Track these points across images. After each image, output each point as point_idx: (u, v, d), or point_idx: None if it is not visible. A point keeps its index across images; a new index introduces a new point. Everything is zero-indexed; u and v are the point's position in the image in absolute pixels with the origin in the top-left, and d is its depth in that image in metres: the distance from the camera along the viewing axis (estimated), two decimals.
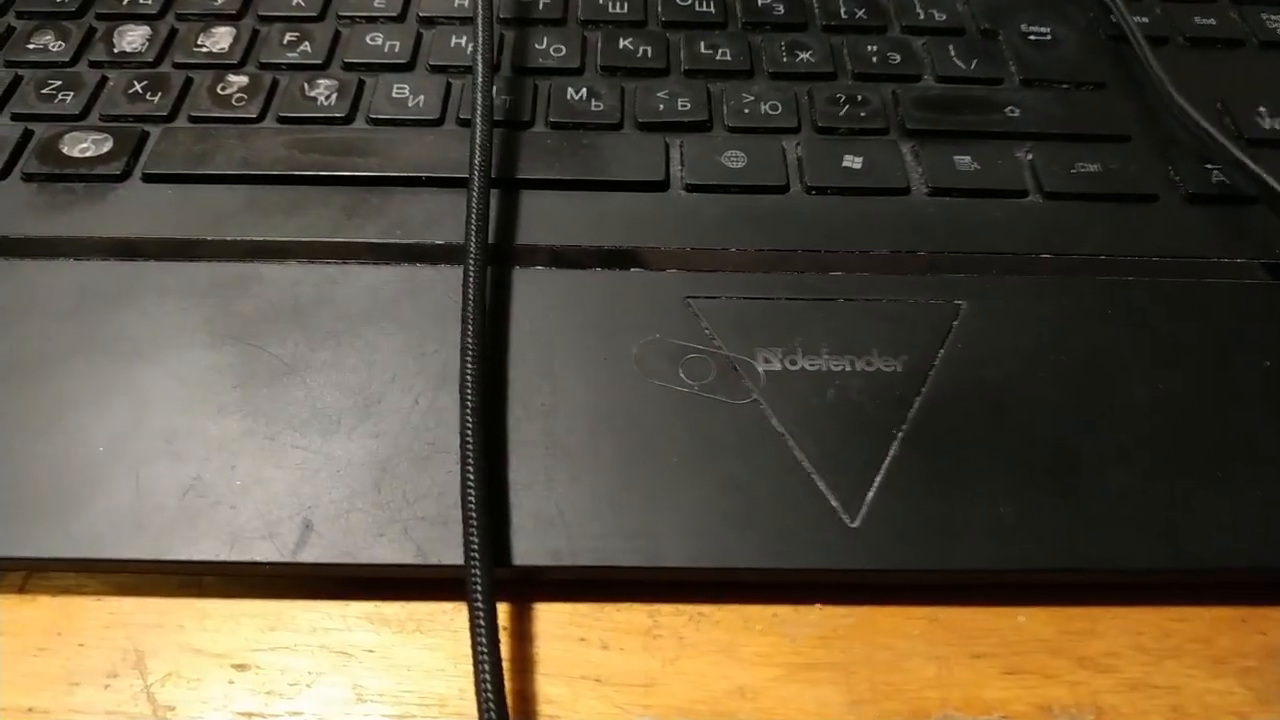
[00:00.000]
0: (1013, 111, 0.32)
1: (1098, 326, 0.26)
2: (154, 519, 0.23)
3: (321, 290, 0.27)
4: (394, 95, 0.31)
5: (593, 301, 0.27)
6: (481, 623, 0.21)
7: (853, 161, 0.30)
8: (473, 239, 0.26)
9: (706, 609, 0.23)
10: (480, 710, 0.20)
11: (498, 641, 0.21)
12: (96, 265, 0.27)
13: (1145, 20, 0.35)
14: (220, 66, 0.32)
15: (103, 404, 0.25)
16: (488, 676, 0.20)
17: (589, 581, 0.23)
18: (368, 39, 0.33)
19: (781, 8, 0.35)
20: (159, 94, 0.31)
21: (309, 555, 0.23)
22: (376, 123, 0.31)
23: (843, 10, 0.35)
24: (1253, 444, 0.25)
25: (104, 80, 0.32)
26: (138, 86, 0.31)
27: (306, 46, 0.33)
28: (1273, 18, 0.35)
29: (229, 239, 0.28)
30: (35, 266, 0.27)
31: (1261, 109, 0.32)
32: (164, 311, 0.26)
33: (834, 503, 0.23)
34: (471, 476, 0.22)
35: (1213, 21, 0.35)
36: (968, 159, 0.30)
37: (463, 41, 0.33)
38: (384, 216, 0.28)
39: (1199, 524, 0.23)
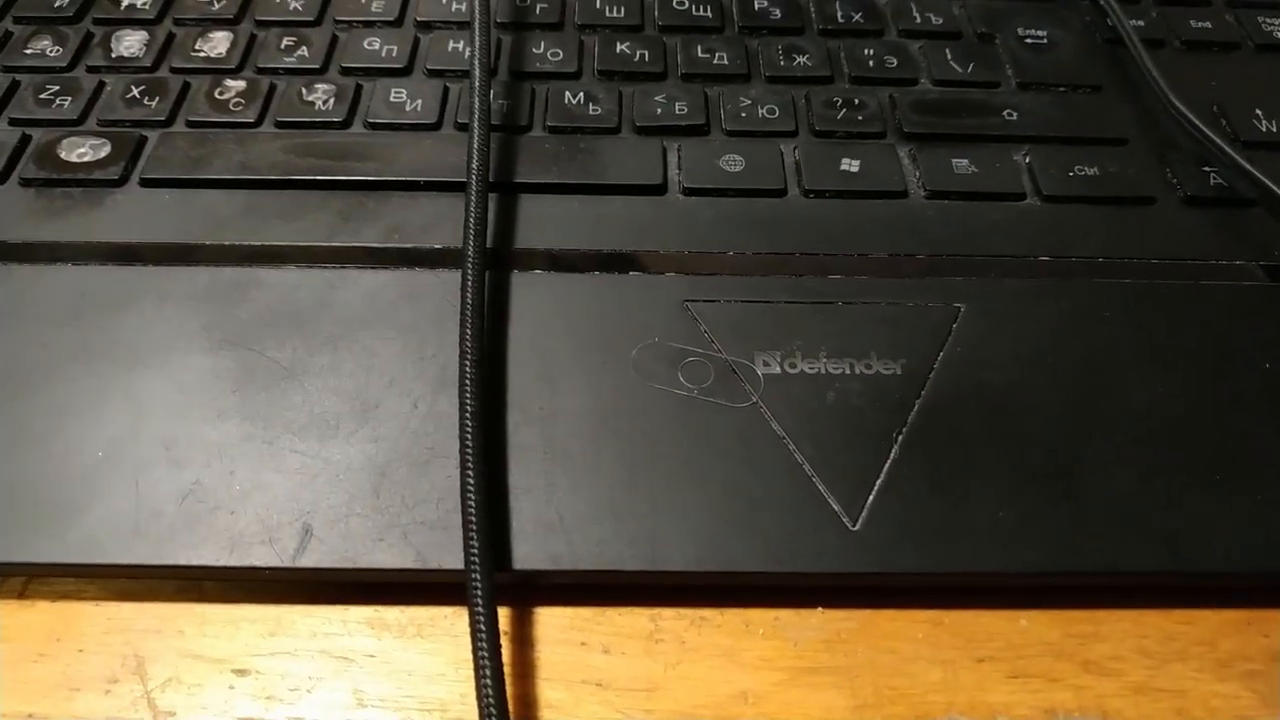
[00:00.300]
0: (1010, 115, 0.32)
1: (1096, 329, 0.27)
2: (153, 524, 0.23)
3: (320, 295, 0.27)
4: (391, 99, 0.31)
5: (591, 305, 0.27)
6: (482, 627, 0.21)
7: (850, 165, 0.30)
8: (471, 243, 0.26)
9: (708, 613, 0.23)
10: (481, 715, 0.20)
11: (498, 646, 0.21)
12: (94, 270, 0.27)
13: (1141, 23, 0.35)
14: (218, 71, 0.32)
15: (101, 409, 0.24)
16: (488, 681, 0.20)
17: (590, 586, 0.23)
18: (365, 43, 0.33)
19: (778, 12, 0.35)
20: (157, 99, 0.31)
21: (309, 560, 0.23)
22: (374, 127, 0.31)
23: (839, 14, 0.35)
24: (1254, 446, 0.25)
25: (102, 85, 0.32)
26: (135, 91, 0.31)
27: (304, 51, 0.33)
28: (1268, 21, 0.35)
29: (227, 244, 0.28)
30: (33, 271, 0.27)
31: (1258, 111, 0.32)
32: (162, 316, 0.26)
33: (835, 506, 0.23)
34: (471, 481, 0.22)
35: (1208, 24, 0.35)
36: (965, 162, 0.30)
37: (460, 46, 0.33)
38: (382, 221, 0.28)
39: (1200, 526, 0.23)
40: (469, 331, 0.24)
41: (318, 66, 0.32)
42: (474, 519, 0.22)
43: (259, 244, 0.28)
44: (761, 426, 0.24)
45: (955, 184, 0.30)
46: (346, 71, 0.32)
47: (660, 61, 0.33)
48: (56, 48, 0.33)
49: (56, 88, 0.31)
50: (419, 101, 0.31)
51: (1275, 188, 0.28)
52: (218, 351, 0.26)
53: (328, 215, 0.28)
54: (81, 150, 0.30)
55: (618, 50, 0.33)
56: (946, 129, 0.31)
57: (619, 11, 0.35)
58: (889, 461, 0.24)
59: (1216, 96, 0.32)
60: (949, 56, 0.33)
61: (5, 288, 0.27)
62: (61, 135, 0.30)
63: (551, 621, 0.23)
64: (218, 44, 0.33)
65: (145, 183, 0.29)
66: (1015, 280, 0.27)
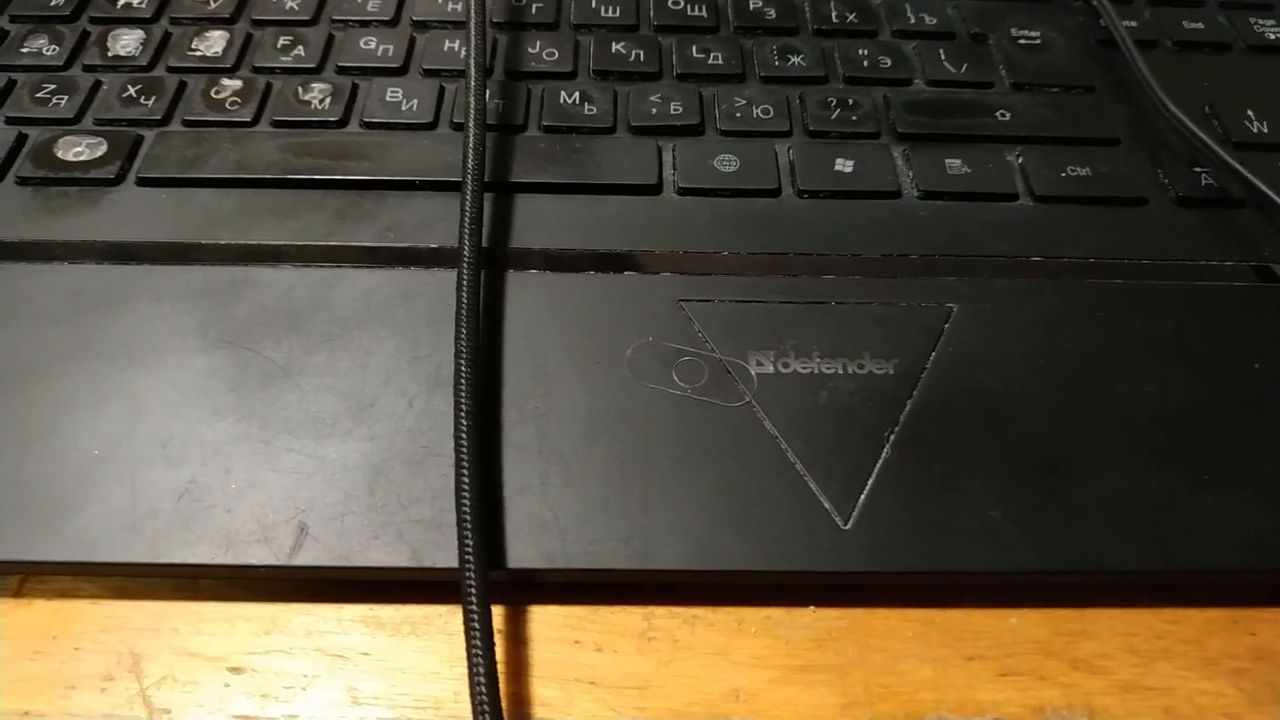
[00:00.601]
0: (1003, 115, 0.32)
1: (1088, 328, 0.27)
2: (149, 523, 0.23)
3: (315, 294, 0.27)
4: (387, 99, 0.31)
5: (586, 305, 0.27)
6: (476, 625, 0.21)
7: (844, 165, 0.30)
8: (466, 242, 0.26)
9: (700, 611, 0.23)
10: (475, 713, 0.20)
11: (492, 644, 0.21)
12: (91, 269, 0.27)
13: (1134, 24, 0.35)
14: (214, 70, 0.32)
15: (97, 408, 0.25)
16: (482, 679, 0.20)
17: (583, 584, 0.24)
18: (361, 43, 0.33)
19: (773, 12, 0.35)
20: (153, 98, 0.31)
21: (304, 558, 0.23)
22: (370, 126, 0.31)
23: (834, 14, 0.35)
24: (1243, 445, 0.25)
25: (98, 84, 0.32)
26: (132, 90, 0.31)
27: (300, 50, 0.33)
28: (1260, 22, 0.35)
29: (223, 243, 0.28)
30: (29, 270, 0.27)
31: (1249, 112, 0.32)
32: (158, 315, 0.26)
33: (826, 505, 0.23)
34: (466, 479, 0.22)
35: (1200, 25, 0.35)
36: (958, 162, 0.30)
37: (456, 45, 0.33)
38: (378, 220, 0.28)
39: (1189, 525, 0.23)
40: (464, 331, 0.24)
41: (314, 66, 0.32)
42: (468, 517, 0.22)
43: (255, 243, 0.28)
44: (755, 426, 0.25)
45: (948, 184, 0.30)
46: (342, 71, 0.32)
47: (655, 61, 0.33)
48: (53, 46, 0.33)
49: (53, 86, 0.31)
50: (415, 101, 0.31)
51: (1266, 188, 0.28)
52: (214, 350, 0.26)
53: (324, 214, 0.28)
54: (78, 149, 0.30)
55: (613, 50, 0.33)
56: (940, 129, 0.31)
57: (614, 11, 0.35)
58: (881, 461, 0.24)
59: (1208, 97, 0.32)
60: (943, 57, 0.34)
61: (1, 286, 0.27)
62: (58, 134, 0.30)
63: (545, 620, 0.23)
64: (214, 43, 0.33)
65: (141, 182, 0.29)
66: (1007, 280, 0.28)
